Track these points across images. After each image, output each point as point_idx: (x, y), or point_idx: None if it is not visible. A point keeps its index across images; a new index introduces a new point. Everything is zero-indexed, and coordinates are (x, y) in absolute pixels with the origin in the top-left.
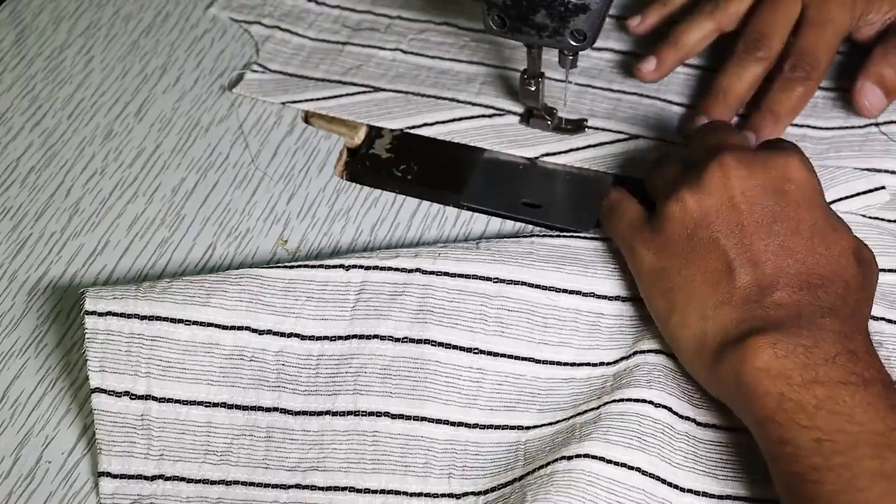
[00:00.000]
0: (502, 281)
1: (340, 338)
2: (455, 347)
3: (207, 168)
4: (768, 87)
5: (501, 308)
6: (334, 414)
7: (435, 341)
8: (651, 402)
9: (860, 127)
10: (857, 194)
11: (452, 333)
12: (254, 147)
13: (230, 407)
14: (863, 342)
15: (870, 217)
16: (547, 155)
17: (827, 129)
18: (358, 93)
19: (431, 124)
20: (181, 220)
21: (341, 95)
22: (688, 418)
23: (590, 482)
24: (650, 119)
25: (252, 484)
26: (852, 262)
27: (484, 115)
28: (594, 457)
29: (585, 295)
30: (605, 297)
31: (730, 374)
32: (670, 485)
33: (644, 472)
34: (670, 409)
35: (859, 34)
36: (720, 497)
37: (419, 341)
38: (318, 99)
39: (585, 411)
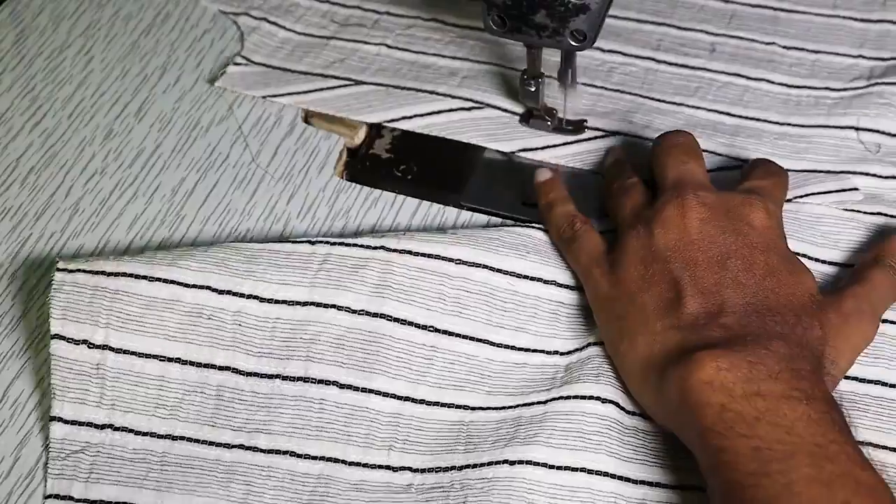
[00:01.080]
0: (464, 263)
1: (298, 303)
2: (410, 324)
3: (207, 168)
4: None
5: (461, 289)
6: (284, 378)
7: (391, 316)
8: (598, 398)
9: (840, 127)
10: (831, 192)
11: (409, 310)
12: (254, 147)
13: (184, 363)
14: (810, 368)
15: (846, 210)
16: (524, 150)
17: (808, 126)
18: (339, 86)
19: (410, 117)
20: (181, 220)
21: (323, 89)
22: (635, 413)
23: (529, 490)
24: (630, 115)
25: (197, 441)
26: (808, 303)
27: (463, 108)
28: (537, 463)
29: (547, 283)
30: (566, 287)
31: (674, 390)
32: (620, 478)
33: (590, 472)
34: (617, 405)
35: None
36: (674, 487)
37: (375, 315)
38: (299, 93)
39: (533, 403)
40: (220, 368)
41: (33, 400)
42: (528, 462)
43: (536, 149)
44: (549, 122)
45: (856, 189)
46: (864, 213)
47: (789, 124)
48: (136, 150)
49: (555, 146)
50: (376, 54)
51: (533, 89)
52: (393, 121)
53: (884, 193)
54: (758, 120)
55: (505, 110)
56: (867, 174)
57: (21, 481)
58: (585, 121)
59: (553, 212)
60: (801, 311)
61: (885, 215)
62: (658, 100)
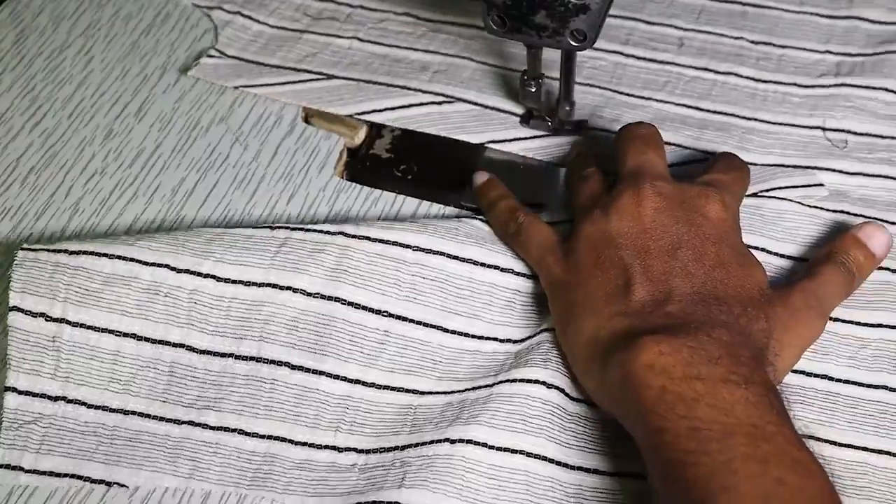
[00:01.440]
0: (421, 249)
1: (255, 284)
2: (364, 308)
3: (207, 168)
4: None
5: (416, 275)
6: (237, 357)
7: (345, 300)
8: (544, 383)
9: (807, 127)
10: (796, 187)
11: (364, 295)
12: (253, 147)
13: (139, 339)
14: (750, 355)
15: (809, 206)
16: (493, 142)
17: (775, 123)
18: (311, 80)
19: (381, 111)
20: (181, 220)
21: (295, 82)
22: (580, 400)
23: (468, 468)
24: (599, 109)
25: (148, 416)
26: (756, 296)
27: (434, 103)
28: (476, 443)
29: (503, 271)
30: (522, 275)
31: (617, 373)
32: (558, 463)
33: (528, 454)
34: (562, 391)
35: None
36: (612, 474)
37: (330, 298)
38: (271, 84)
39: (480, 387)
40: (175, 345)
41: None
42: (469, 441)
43: (504, 141)
44: (549, 123)
45: (821, 185)
46: (828, 210)
47: (756, 119)
48: (136, 150)
49: (522, 139)
50: (348, 48)
51: (533, 90)
52: (363, 114)
53: (849, 190)
54: (725, 114)
55: (475, 104)
56: (834, 170)
57: None
58: (586, 121)
59: (496, 209)
60: (747, 303)
61: (849, 213)
62: (627, 94)
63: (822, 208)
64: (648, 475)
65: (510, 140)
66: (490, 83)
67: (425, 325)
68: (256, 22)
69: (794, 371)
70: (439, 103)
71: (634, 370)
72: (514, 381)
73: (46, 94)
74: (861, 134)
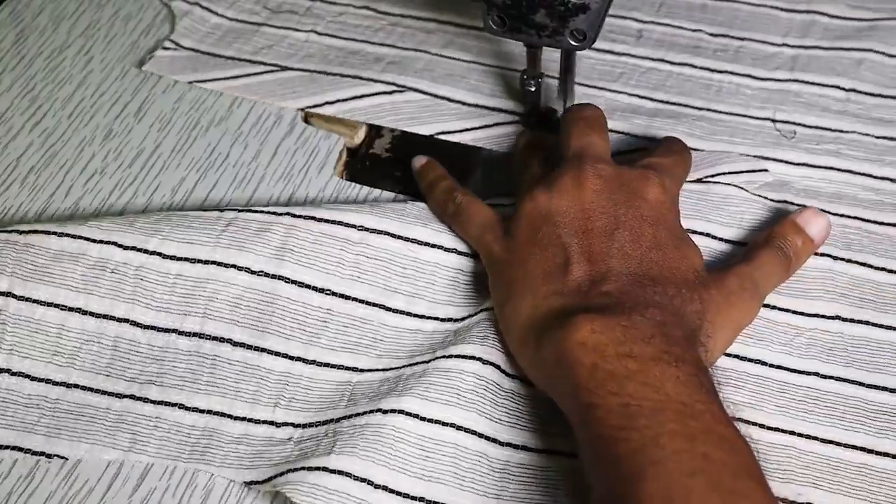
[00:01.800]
0: (366, 229)
1: (200, 261)
2: (307, 287)
3: (207, 168)
4: None
5: (360, 254)
6: (180, 333)
7: (289, 279)
8: (479, 359)
9: (757, 118)
10: (741, 172)
11: (307, 273)
12: (253, 147)
13: (84, 313)
14: (682, 335)
15: (753, 193)
16: (442, 133)
17: (727, 113)
18: (265, 72)
19: (333, 102)
20: None
21: (249, 75)
22: (515, 377)
23: (398, 438)
24: (549, 101)
25: (90, 389)
26: (691, 278)
27: (384, 93)
28: (408, 413)
29: (447, 250)
30: (466, 255)
31: (551, 351)
32: (488, 438)
33: (459, 428)
34: (498, 367)
35: None
36: (541, 451)
37: (274, 276)
38: (225, 78)
39: (417, 363)
40: (119, 320)
41: None
42: (400, 412)
43: (454, 132)
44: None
45: (765, 170)
46: (770, 199)
47: (708, 109)
48: (135, 150)
49: (473, 129)
50: (305, 41)
51: (533, 89)
52: (316, 106)
53: (793, 181)
54: (678, 105)
55: (426, 93)
56: (780, 160)
57: (21, 481)
58: None
59: (434, 190)
60: (682, 284)
61: (792, 203)
62: (579, 84)
63: (765, 197)
64: (579, 452)
65: (461, 131)
66: (443, 73)
67: (368, 303)
68: (215, 14)
69: (729, 355)
70: (390, 93)
71: (568, 348)
72: (450, 356)
73: (46, 94)
74: (810, 126)
